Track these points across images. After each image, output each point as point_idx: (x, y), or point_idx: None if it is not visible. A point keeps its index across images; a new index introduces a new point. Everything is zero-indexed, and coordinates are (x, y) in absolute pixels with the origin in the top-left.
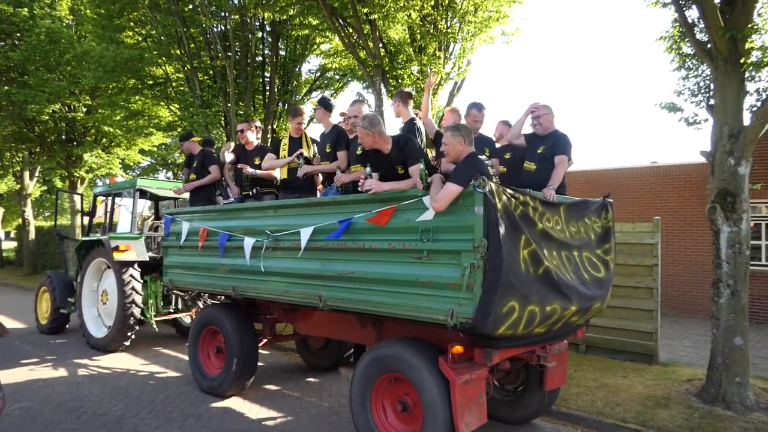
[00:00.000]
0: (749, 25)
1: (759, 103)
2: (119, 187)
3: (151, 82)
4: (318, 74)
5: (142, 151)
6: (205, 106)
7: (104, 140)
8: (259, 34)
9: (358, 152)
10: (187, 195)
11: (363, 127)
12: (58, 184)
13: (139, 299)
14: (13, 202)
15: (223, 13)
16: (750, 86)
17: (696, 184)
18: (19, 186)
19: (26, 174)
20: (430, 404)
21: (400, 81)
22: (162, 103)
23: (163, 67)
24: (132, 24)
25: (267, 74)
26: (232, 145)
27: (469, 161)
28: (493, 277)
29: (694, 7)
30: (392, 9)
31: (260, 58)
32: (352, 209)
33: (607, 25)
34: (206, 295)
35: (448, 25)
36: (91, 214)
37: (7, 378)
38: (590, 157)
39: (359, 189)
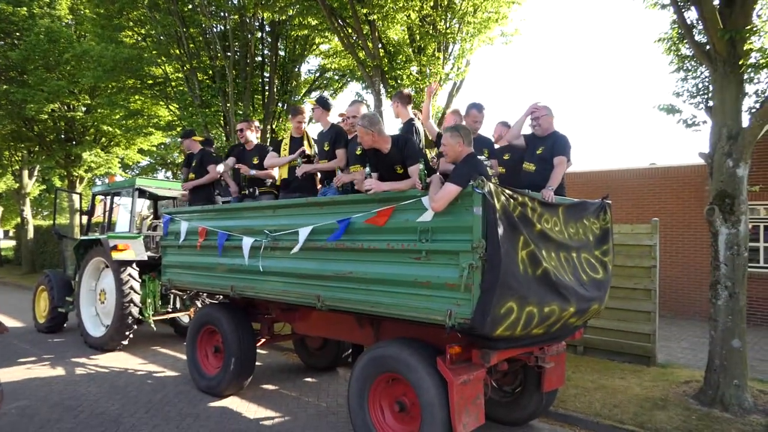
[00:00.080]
0: (748, 27)
1: (758, 105)
2: (118, 186)
3: (150, 81)
4: (317, 74)
5: (141, 151)
6: (205, 105)
7: (103, 139)
8: (259, 34)
9: (358, 152)
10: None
11: (362, 125)
12: (57, 183)
13: (137, 298)
14: (11, 201)
15: (222, 13)
16: (749, 88)
17: (694, 185)
18: (17, 185)
19: (25, 173)
20: (427, 405)
21: (399, 81)
22: (161, 103)
23: (163, 67)
24: (131, 23)
25: (266, 74)
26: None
27: (468, 162)
28: (492, 277)
29: (693, 8)
30: (391, 9)
31: (259, 58)
32: (350, 209)
33: (606, 26)
34: (204, 294)
35: (448, 25)
36: (90, 213)
37: (5, 377)
38: (589, 158)
39: (356, 188)
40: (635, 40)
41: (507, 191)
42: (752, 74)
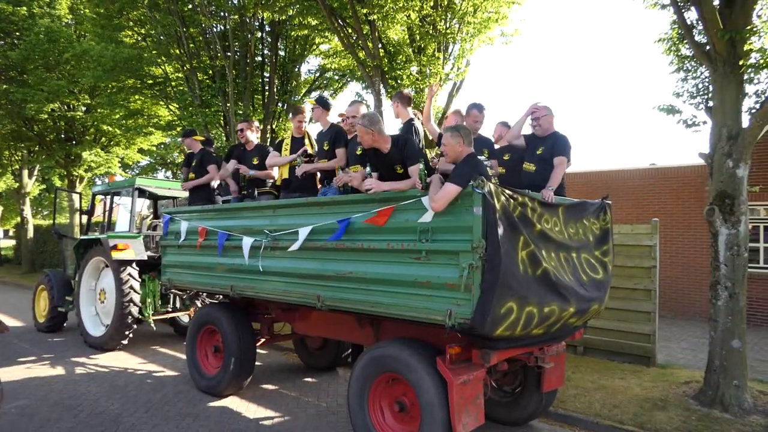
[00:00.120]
0: (748, 27)
1: (758, 105)
2: (118, 186)
3: (150, 81)
4: (317, 74)
5: (141, 151)
6: (205, 105)
7: (103, 139)
8: (259, 34)
9: (358, 152)
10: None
11: (362, 125)
12: (57, 182)
13: (137, 298)
14: (11, 201)
15: (222, 13)
16: (749, 88)
17: (694, 186)
18: (17, 184)
19: (25, 172)
20: (427, 405)
21: (399, 81)
22: (161, 103)
23: (163, 67)
24: (131, 23)
25: (266, 74)
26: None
27: (468, 162)
28: (492, 277)
29: (693, 8)
30: (391, 9)
31: (259, 58)
32: (350, 209)
33: (606, 26)
34: (204, 294)
35: (448, 25)
36: (90, 212)
37: (4, 376)
38: (589, 158)
39: (351, 185)
40: (635, 40)
41: (507, 191)
42: (752, 74)
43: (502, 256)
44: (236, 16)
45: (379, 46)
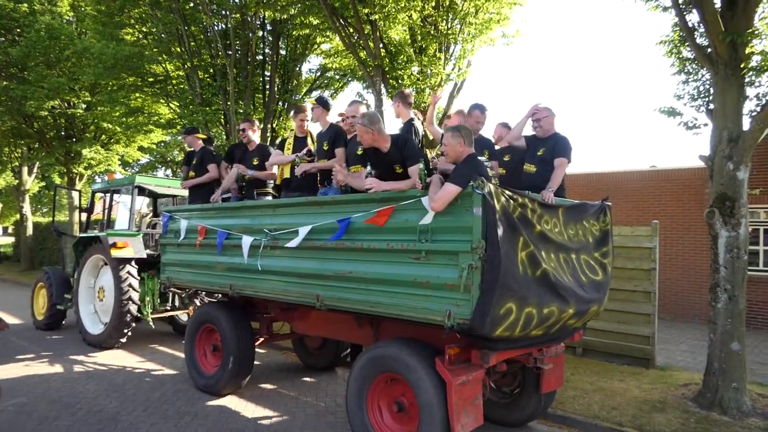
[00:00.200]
0: (750, 30)
1: (759, 108)
2: (118, 183)
3: (151, 79)
4: (318, 74)
5: (141, 148)
6: (205, 104)
7: (103, 137)
8: (260, 33)
9: (359, 152)
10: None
11: (362, 124)
12: (57, 180)
13: (136, 296)
14: (11, 198)
15: (223, 12)
16: (750, 91)
17: (695, 188)
18: (17, 181)
19: (24, 170)
20: (426, 405)
21: (400, 81)
22: (162, 101)
23: (163, 65)
24: (132, 21)
25: (267, 73)
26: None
27: (468, 162)
28: (491, 278)
29: (694, 11)
30: (393, 10)
31: (260, 57)
32: (350, 209)
33: (607, 28)
34: (203, 293)
35: (449, 26)
36: (89, 210)
37: (3, 374)
38: (589, 160)
39: (335, 181)
40: (637, 42)
41: (507, 192)
42: (753, 77)
43: (502, 257)
44: (237, 15)
45: (381, 46)
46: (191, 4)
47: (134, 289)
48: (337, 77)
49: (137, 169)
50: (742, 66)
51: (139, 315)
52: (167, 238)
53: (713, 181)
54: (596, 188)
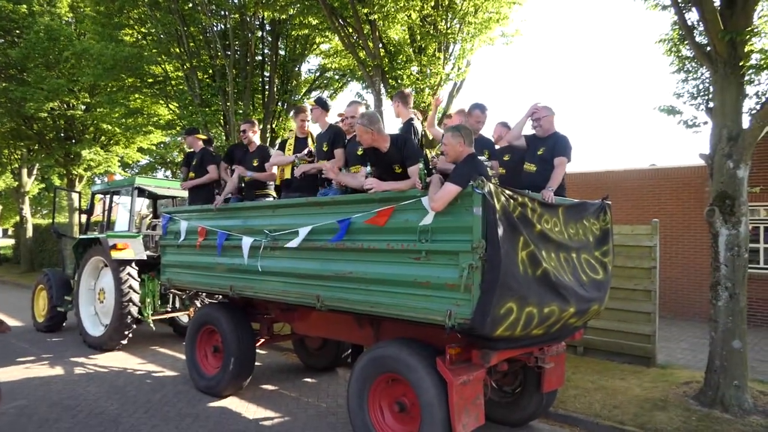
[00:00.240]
0: (749, 28)
1: (758, 106)
2: (117, 185)
3: (150, 80)
4: (317, 74)
5: (140, 150)
6: (205, 104)
7: (103, 138)
8: (259, 34)
9: (359, 152)
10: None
11: (362, 124)
12: (56, 181)
13: (136, 298)
14: (10, 200)
15: (222, 12)
16: (749, 89)
17: (695, 186)
18: (17, 183)
19: (24, 171)
20: (427, 405)
21: (399, 81)
22: (161, 102)
23: (163, 66)
24: (131, 22)
25: (266, 73)
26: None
27: (468, 162)
28: (492, 278)
29: (693, 9)
30: (392, 9)
31: (260, 58)
32: (350, 209)
33: (606, 27)
34: (204, 294)
35: (448, 25)
36: (89, 212)
37: (3, 376)
38: (589, 159)
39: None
40: (636, 41)
41: (507, 192)
42: (753, 76)
43: (502, 257)
44: (236, 15)
45: (380, 45)
46: (190, 5)
47: (135, 291)
48: (337, 77)
49: (137, 171)
50: (741, 64)
51: (139, 317)
52: (167, 239)
53: (713, 180)
54: (596, 187)
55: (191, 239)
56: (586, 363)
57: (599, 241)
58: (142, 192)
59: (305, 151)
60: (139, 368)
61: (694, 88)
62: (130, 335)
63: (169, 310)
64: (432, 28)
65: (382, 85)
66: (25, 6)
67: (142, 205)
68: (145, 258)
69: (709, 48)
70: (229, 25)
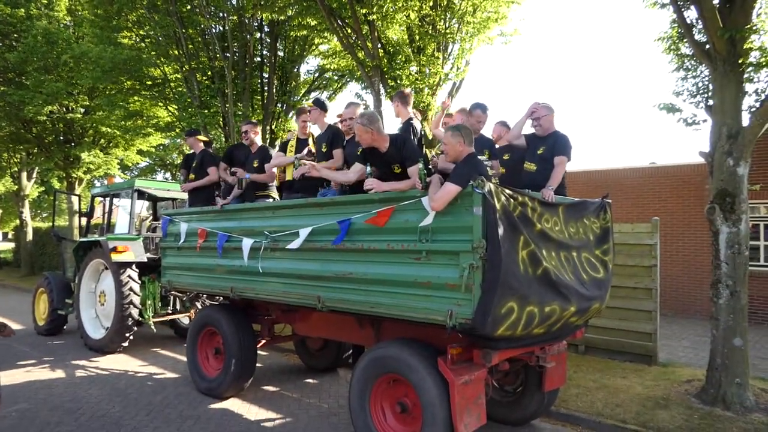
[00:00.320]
0: (748, 26)
1: (758, 104)
2: (117, 187)
3: (149, 82)
4: (316, 75)
5: (140, 152)
6: (204, 106)
7: (102, 141)
8: (258, 35)
9: (359, 152)
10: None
11: (361, 124)
12: (56, 184)
13: (137, 300)
14: (10, 203)
15: (221, 14)
16: (749, 87)
17: (695, 184)
18: (16, 187)
19: (24, 175)
20: (429, 405)
21: (398, 81)
22: (160, 104)
23: (162, 68)
24: (130, 25)
25: (265, 75)
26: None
27: (468, 162)
28: (492, 277)
29: (692, 7)
30: (391, 10)
31: (258, 59)
32: (350, 210)
33: (605, 25)
34: (204, 296)
35: (447, 25)
36: (89, 215)
37: (4, 380)
38: (589, 157)
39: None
40: (635, 39)
41: (507, 191)
42: (752, 73)
43: (503, 256)
44: (235, 17)
45: (379, 46)
46: (188, 7)
47: (135, 293)
48: (336, 78)
49: (136, 173)
50: (740, 62)
51: (140, 319)
52: (167, 241)
53: (713, 177)
54: (596, 186)
55: (191, 241)
56: (588, 362)
57: (600, 239)
58: (141, 194)
59: (305, 152)
60: (141, 370)
61: (694, 86)
62: (131, 337)
63: (170, 312)
64: (431, 28)
65: (381, 85)
66: (23, 9)
67: (142, 207)
68: (146, 260)
69: (708, 46)
70: (227, 27)
